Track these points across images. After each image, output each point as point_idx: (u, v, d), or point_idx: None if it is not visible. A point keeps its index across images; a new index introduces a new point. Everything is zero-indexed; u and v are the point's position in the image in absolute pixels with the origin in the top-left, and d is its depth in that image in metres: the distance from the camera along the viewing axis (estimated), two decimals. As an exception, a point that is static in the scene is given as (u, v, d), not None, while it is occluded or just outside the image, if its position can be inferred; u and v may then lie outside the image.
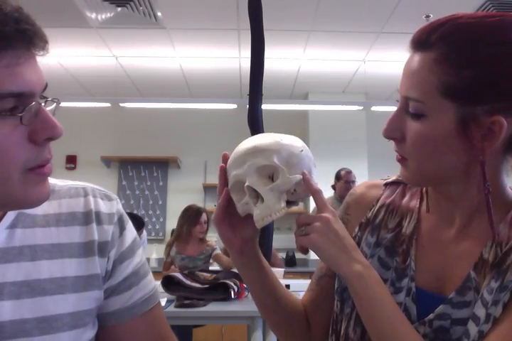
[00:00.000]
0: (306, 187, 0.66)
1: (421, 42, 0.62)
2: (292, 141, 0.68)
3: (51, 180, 0.67)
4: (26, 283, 0.61)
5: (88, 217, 0.68)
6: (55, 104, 0.59)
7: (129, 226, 0.73)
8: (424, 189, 0.76)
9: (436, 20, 0.62)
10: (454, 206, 0.69)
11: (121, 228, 0.71)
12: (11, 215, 0.63)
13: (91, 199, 0.70)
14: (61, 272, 0.64)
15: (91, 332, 0.67)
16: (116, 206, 0.72)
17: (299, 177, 0.66)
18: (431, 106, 0.60)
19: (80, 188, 0.71)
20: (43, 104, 0.56)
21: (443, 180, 0.66)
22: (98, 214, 0.69)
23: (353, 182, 3.65)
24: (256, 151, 0.66)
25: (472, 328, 0.61)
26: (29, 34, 0.52)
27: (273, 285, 0.77)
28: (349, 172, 3.73)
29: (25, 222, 0.64)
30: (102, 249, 0.68)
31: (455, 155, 0.62)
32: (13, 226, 0.63)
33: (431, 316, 0.65)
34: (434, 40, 0.61)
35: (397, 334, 0.61)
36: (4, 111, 0.51)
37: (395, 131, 0.65)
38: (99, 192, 0.72)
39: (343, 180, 3.68)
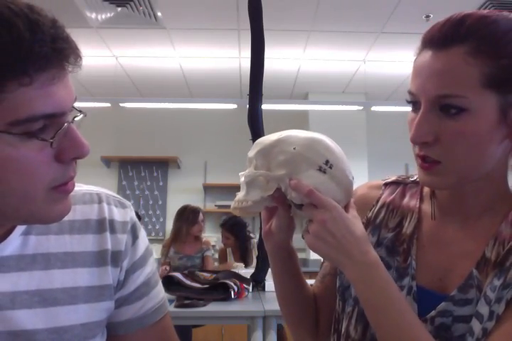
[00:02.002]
0: (294, 189, 0.63)
1: (446, 39, 0.61)
2: (292, 137, 0.66)
3: None
4: (38, 292, 0.60)
5: (102, 225, 0.67)
6: (81, 115, 0.57)
7: (142, 234, 0.72)
8: (427, 190, 0.76)
9: (451, 18, 0.62)
10: (464, 206, 0.69)
11: (134, 237, 0.70)
12: None
13: (105, 206, 0.69)
14: (73, 282, 0.63)
15: (100, 340, 0.67)
16: (130, 213, 0.71)
17: (266, 173, 0.65)
18: (473, 99, 0.59)
19: (95, 194, 0.70)
20: (71, 121, 0.54)
21: (476, 177, 0.65)
22: (112, 222, 0.68)
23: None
24: (254, 145, 0.70)
25: (476, 326, 0.61)
26: (66, 53, 0.50)
27: (296, 273, 0.79)
28: None
29: (39, 228, 0.63)
30: (115, 258, 0.67)
31: (495, 146, 0.62)
32: (27, 232, 0.62)
33: (433, 313, 0.65)
34: (462, 34, 0.60)
35: (405, 337, 0.59)
36: (34, 132, 0.49)
37: (426, 135, 0.62)
38: (113, 199, 0.71)
39: None
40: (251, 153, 0.68)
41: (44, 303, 0.60)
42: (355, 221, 0.64)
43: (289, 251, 0.76)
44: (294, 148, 0.65)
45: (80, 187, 0.70)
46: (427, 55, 0.62)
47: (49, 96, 0.49)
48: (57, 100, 0.50)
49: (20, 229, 0.61)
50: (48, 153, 0.52)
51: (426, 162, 0.64)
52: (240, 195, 0.68)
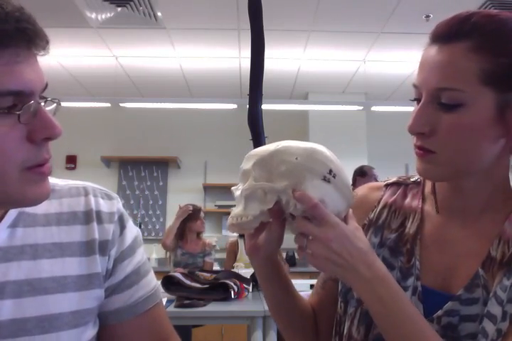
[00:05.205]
0: (299, 200, 0.60)
1: (451, 34, 0.62)
2: (291, 148, 0.64)
3: (52, 180, 0.67)
4: (27, 281, 0.61)
5: (89, 216, 0.69)
6: (55, 104, 0.59)
7: (130, 224, 0.74)
8: (429, 190, 0.76)
9: (458, 15, 0.63)
10: (464, 204, 0.69)
11: (122, 227, 0.72)
12: (12, 214, 0.64)
13: (92, 198, 0.71)
14: (62, 271, 0.64)
15: (92, 331, 0.68)
16: (117, 205, 0.73)
17: (268, 184, 0.62)
18: (471, 94, 0.60)
19: (81, 188, 0.72)
20: (42, 104, 0.56)
21: (470, 171, 0.65)
22: (99, 213, 0.70)
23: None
24: (247, 157, 0.66)
25: (489, 327, 0.61)
26: (29, 33, 0.53)
27: (287, 286, 0.77)
28: (373, 168, 3.66)
29: (26, 221, 0.64)
30: (103, 247, 0.68)
31: (490, 143, 0.62)
32: (14, 225, 0.63)
33: (439, 312, 0.65)
34: (466, 30, 0.61)
35: None
36: (2, 109, 0.51)
37: (423, 126, 0.63)
38: (100, 192, 0.73)
39: (371, 176, 3.55)
40: (246, 165, 0.65)
41: (33, 292, 0.61)
42: (357, 233, 0.62)
43: (277, 264, 0.74)
44: (297, 158, 0.63)
45: (66, 182, 0.72)
46: (433, 49, 0.64)
47: (14, 73, 0.52)
48: (23, 79, 0.52)
49: (6, 221, 0.63)
50: (18, 132, 0.53)
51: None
52: (237, 210, 0.64)
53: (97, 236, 0.68)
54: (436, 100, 0.62)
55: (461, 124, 0.61)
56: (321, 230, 0.59)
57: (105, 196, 0.73)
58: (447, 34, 0.62)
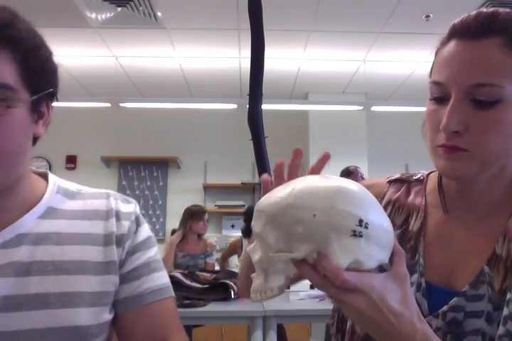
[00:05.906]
0: (325, 273, 0.50)
1: (482, 30, 0.61)
2: (306, 199, 0.51)
3: (79, 186, 0.81)
4: (52, 262, 0.70)
5: (109, 214, 0.78)
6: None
7: (145, 225, 0.82)
8: (431, 188, 0.76)
9: (482, 12, 0.63)
10: (470, 205, 0.69)
11: (138, 225, 0.81)
12: (41, 208, 0.73)
13: (112, 200, 0.81)
14: (83, 256, 0.73)
15: (109, 315, 0.73)
16: (134, 208, 0.82)
17: (287, 255, 0.51)
18: (509, 89, 0.59)
19: (104, 193, 0.82)
20: None
21: (495, 168, 0.64)
22: (118, 212, 0.79)
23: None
24: (256, 212, 0.55)
25: None
26: None
27: None
28: (358, 168, 3.75)
29: (53, 214, 0.74)
30: (119, 240, 0.77)
31: None
32: (43, 217, 0.73)
33: (445, 308, 0.65)
34: (498, 26, 0.61)
35: None
36: None
37: (458, 124, 0.61)
38: (120, 197, 0.83)
39: (356, 174, 3.66)
40: (257, 228, 0.53)
41: (57, 272, 0.70)
42: (392, 289, 0.54)
43: None
44: (314, 215, 0.50)
45: (91, 189, 0.84)
46: (458, 45, 0.62)
47: None
48: None
49: (36, 213, 0.72)
50: None
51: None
52: (258, 282, 0.55)
53: (115, 229, 0.77)
54: (470, 97, 0.61)
55: (499, 121, 0.60)
56: (350, 297, 0.53)
57: (124, 200, 0.83)
58: (477, 30, 0.61)
